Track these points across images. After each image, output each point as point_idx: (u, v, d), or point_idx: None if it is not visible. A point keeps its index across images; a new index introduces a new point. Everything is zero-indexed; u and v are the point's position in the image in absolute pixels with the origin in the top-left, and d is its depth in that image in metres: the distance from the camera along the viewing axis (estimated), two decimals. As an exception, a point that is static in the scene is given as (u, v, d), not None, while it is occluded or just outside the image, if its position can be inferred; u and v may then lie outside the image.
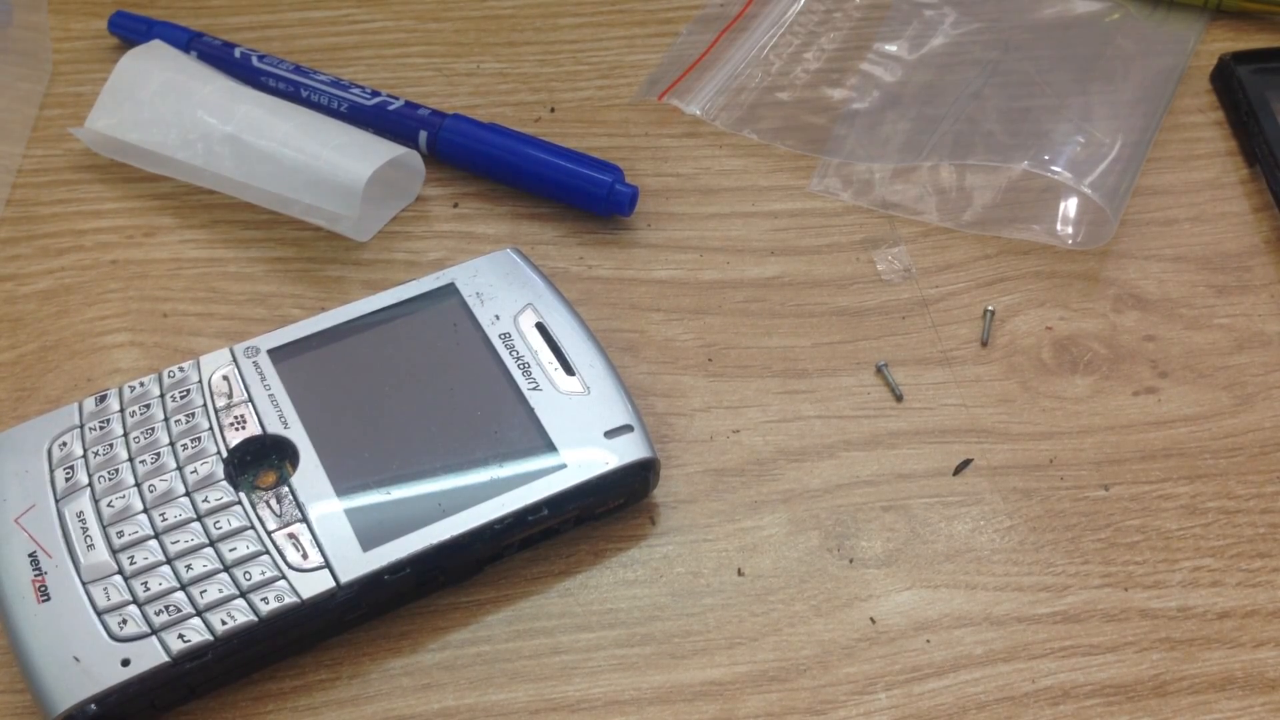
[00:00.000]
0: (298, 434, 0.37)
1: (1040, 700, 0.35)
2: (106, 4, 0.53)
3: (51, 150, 0.48)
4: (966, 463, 0.40)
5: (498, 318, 0.40)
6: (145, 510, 0.35)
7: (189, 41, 0.50)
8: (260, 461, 0.36)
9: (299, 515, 0.35)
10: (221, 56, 0.50)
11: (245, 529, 0.35)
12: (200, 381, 0.38)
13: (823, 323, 0.44)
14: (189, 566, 0.34)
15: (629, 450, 0.37)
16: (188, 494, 0.35)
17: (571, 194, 0.46)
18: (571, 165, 0.46)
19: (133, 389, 0.38)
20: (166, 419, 0.37)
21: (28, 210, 0.46)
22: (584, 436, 0.37)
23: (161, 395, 0.37)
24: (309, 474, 0.36)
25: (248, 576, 0.34)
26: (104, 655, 0.32)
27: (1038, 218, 0.46)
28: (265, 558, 0.34)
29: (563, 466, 0.36)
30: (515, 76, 0.52)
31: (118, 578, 0.33)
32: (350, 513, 0.35)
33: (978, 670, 0.36)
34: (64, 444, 0.36)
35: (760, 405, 0.41)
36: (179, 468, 0.36)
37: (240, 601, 0.33)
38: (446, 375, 0.38)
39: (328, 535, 0.35)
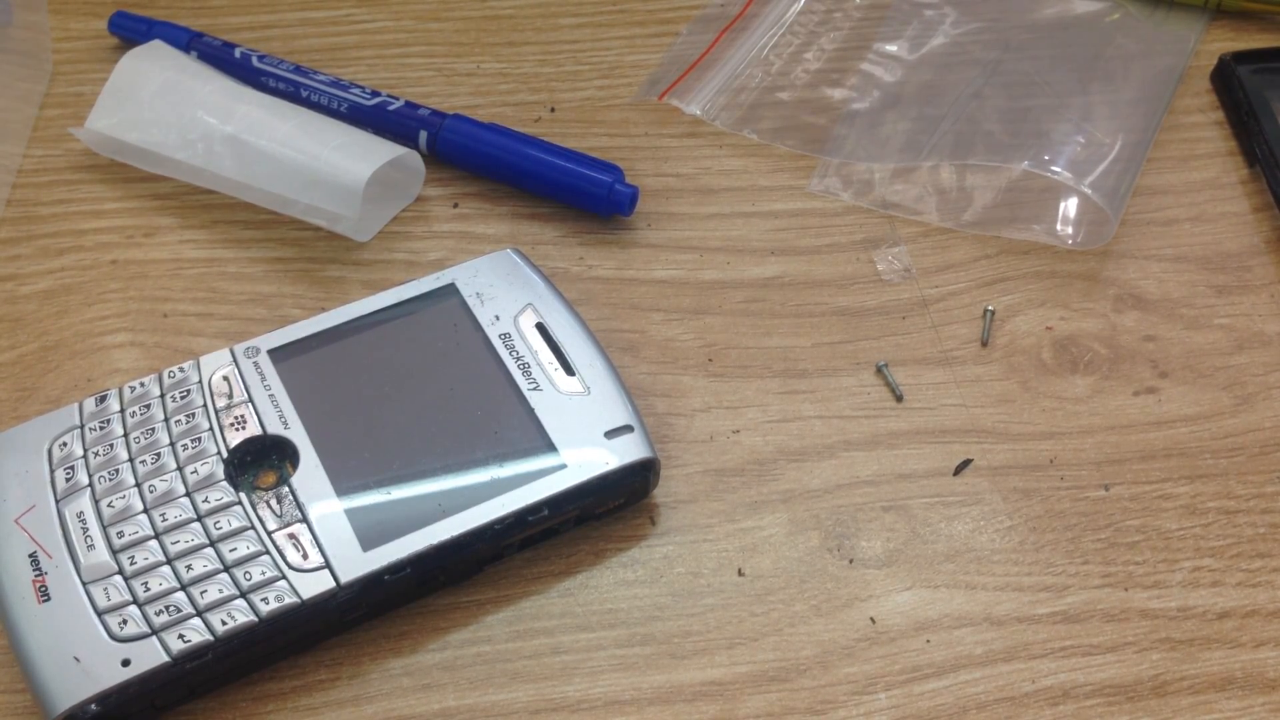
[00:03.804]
0: (298, 434, 0.37)
1: (1040, 700, 0.35)
2: (106, 4, 0.53)
3: (51, 150, 0.48)
4: (966, 463, 0.40)
5: (498, 318, 0.40)
6: (145, 510, 0.35)
7: (189, 41, 0.50)
8: (260, 462, 0.36)
9: (299, 515, 0.35)
10: (221, 56, 0.49)
11: (245, 529, 0.35)
12: (200, 382, 0.38)
13: (823, 323, 0.44)
14: (189, 567, 0.34)
15: (629, 450, 0.37)
16: (188, 494, 0.35)
17: (571, 194, 0.46)
18: (571, 165, 0.46)
19: (133, 389, 0.38)
20: (167, 419, 0.37)
21: (28, 210, 0.46)
22: (584, 436, 0.37)
23: (161, 395, 0.37)
24: (309, 474, 0.36)
25: (248, 577, 0.34)
26: (104, 655, 0.32)
27: (1038, 218, 0.46)
28: (265, 558, 0.34)
29: (563, 467, 0.36)
30: (515, 76, 0.52)
31: (118, 578, 0.34)
32: (350, 513, 0.35)
33: (978, 670, 0.36)
34: (64, 444, 0.36)
35: (760, 405, 0.41)
36: (179, 468, 0.36)
37: (240, 602, 0.33)
38: (446, 375, 0.38)
39: (328, 535, 0.35)
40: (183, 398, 0.37)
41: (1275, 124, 0.48)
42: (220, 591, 0.33)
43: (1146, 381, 0.42)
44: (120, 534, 0.34)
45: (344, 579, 0.34)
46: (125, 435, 0.36)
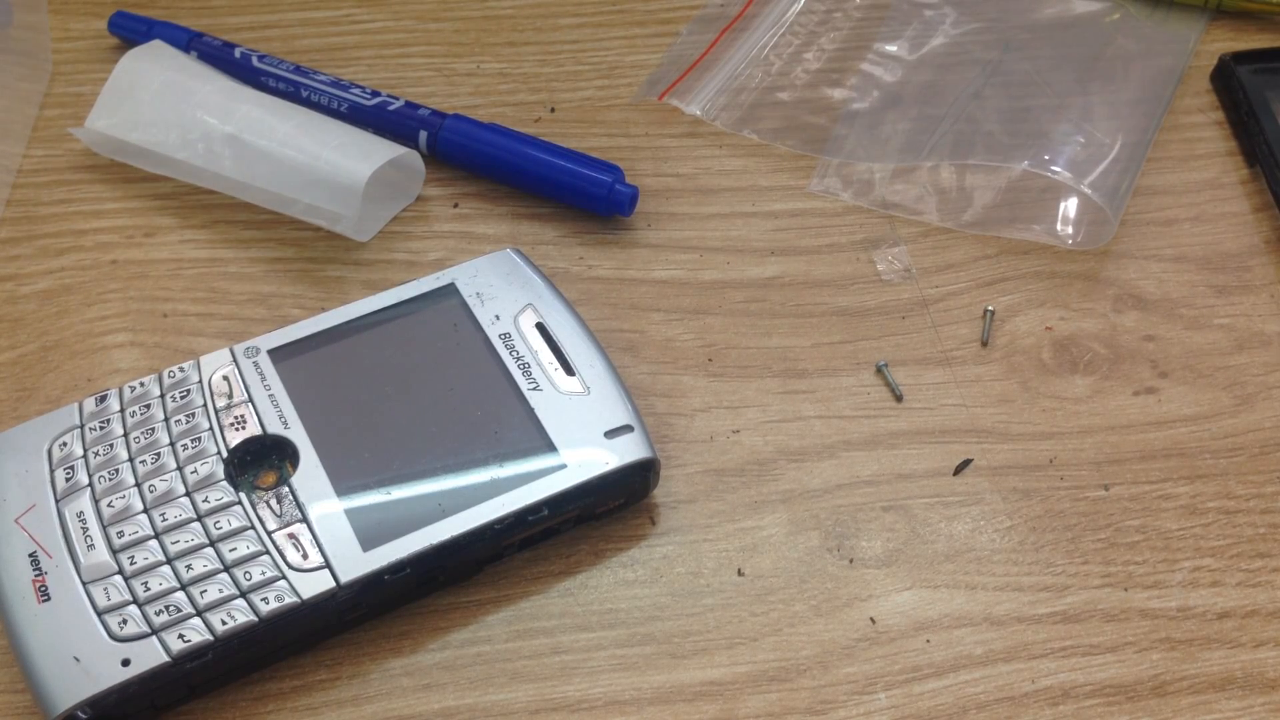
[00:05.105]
0: (298, 434, 0.37)
1: (1040, 700, 0.35)
2: (106, 4, 0.53)
3: (51, 150, 0.48)
4: (966, 463, 0.40)
5: (498, 318, 0.40)
6: (145, 510, 0.35)
7: (189, 41, 0.50)
8: (260, 461, 0.36)
9: (299, 515, 0.35)
10: (221, 56, 0.50)
11: (245, 529, 0.35)
12: (200, 381, 0.38)
13: (823, 323, 0.44)
14: (189, 566, 0.34)
15: (629, 450, 0.37)
16: (188, 494, 0.35)
17: (572, 194, 0.46)
18: (571, 165, 0.46)
19: (133, 389, 0.38)
20: (167, 419, 0.37)
21: (28, 210, 0.46)
22: (584, 436, 0.37)
23: (162, 395, 0.37)
24: (309, 474, 0.36)
25: (248, 576, 0.34)
26: (104, 655, 0.32)
27: (1038, 218, 0.46)
28: (265, 558, 0.34)
29: (563, 466, 0.36)
30: (515, 76, 0.52)
31: (118, 578, 0.34)
32: (350, 513, 0.35)
33: (978, 670, 0.36)
34: (64, 444, 0.36)
35: (760, 405, 0.41)
36: (179, 468, 0.36)
37: (240, 601, 0.33)
38: (446, 375, 0.38)
39: (328, 535, 0.35)
40: (183, 398, 0.37)
41: (1275, 124, 0.48)
42: (220, 591, 0.33)
43: (1146, 381, 0.42)
44: (120, 534, 0.34)
45: (344, 579, 0.34)
46: (125, 435, 0.36)
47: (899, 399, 0.42)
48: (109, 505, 0.35)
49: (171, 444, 0.36)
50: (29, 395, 0.41)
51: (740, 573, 0.38)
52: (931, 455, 0.40)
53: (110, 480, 0.35)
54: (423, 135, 0.47)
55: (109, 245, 0.45)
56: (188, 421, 0.37)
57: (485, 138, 0.47)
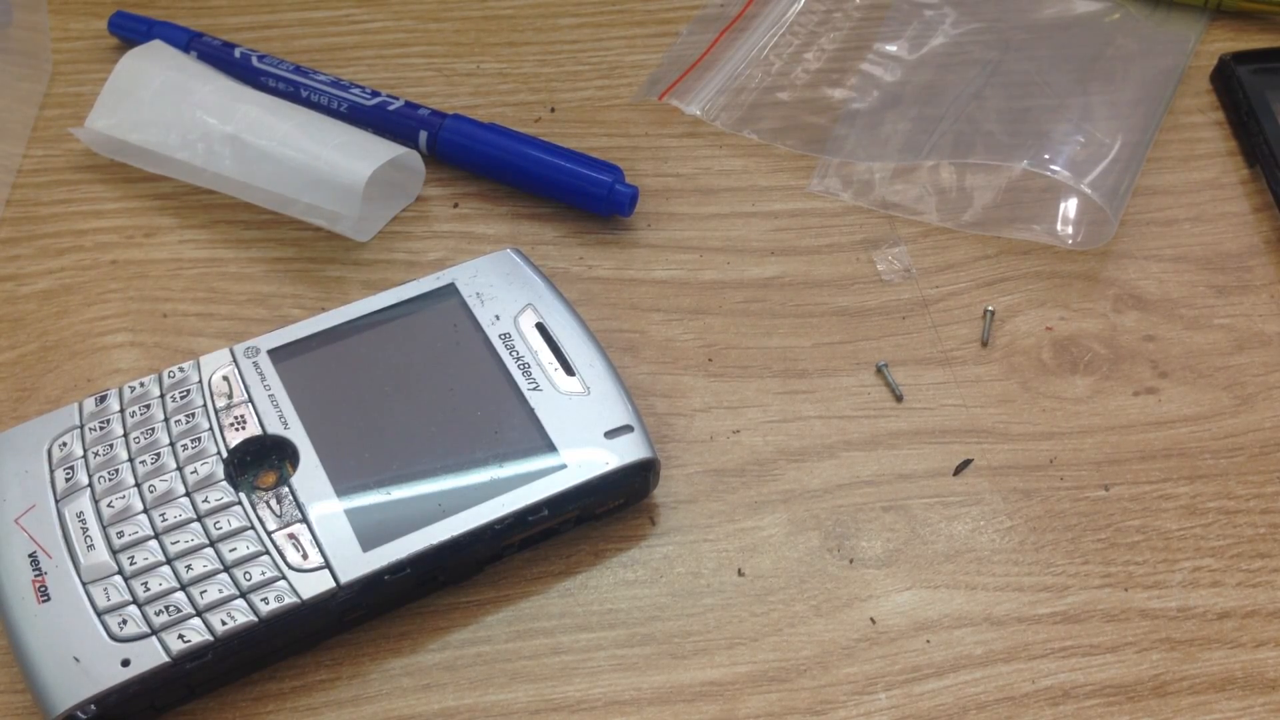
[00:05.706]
0: (298, 434, 0.37)
1: (1040, 700, 0.35)
2: (106, 4, 0.53)
3: (51, 150, 0.48)
4: (966, 463, 0.40)
5: (498, 318, 0.40)
6: (145, 510, 0.35)
7: (189, 41, 0.50)
8: (260, 462, 0.36)
9: (299, 515, 0.35)
10: (221, 56, 0.50)
11: (245, 529, 0.35)
12: (200, 382, 0.38)
13: (823, 323, 0.44)
14: (189, 567, 0.34)
15: (629, 450, 0.37)
16: (188, 494, 0.35)
17: (571, 194, 0.46)
18: (571, 165, 0.46)
19: (133, 389, 0.38)
20: (166, 419, 0.37)
21: (28, 210, 0.46)
22: (584, 436, 0.37)
23: (161, 395, 0.37)
24: (309, 474, 0.36)
25: (248, 577, 0.34)
26: (104, 655, 0.32)
27: (1038, 218, 0.46)
28: (265, 558, 0.34)
29: (563, 467, 0.36)
30: (515, 76, 0.52)
31: (118, 578, 0.34)
32: (350, 513, 0.35)
33: (978, 670, 0.36)
34: (64, 444, 0.36)
35: (760, 405, 0.41)
36: (179, 468, 0.36)
37: (240, 602, 0.33)
38: (446, 375, 0.38)
39: (328, 535, 0.35)
40: (183, 398, 0.37)
41: (1275, 124, 0.48)
42: (220, 591, 0.33)
43: (1146, 381, 0.42)
44: (120, 534, 0.34)
45: (344, 579, 0.34)
46: (125, 435, 0.36)
47: (899, 399, 0.42)
48: (109, 505, 0.35)
49: (171, 444, 0.36)
50: (29, 395, 0.41)
51: (740, 573, 0.38)
52: (931, 455, 0.40)
53: (110, 480, 0.35)
54: (423, 135, 0.47)
55: (109, 245, 0.45)
56: (188, 422, 0.37)
57: (485, 138, 0.47)
